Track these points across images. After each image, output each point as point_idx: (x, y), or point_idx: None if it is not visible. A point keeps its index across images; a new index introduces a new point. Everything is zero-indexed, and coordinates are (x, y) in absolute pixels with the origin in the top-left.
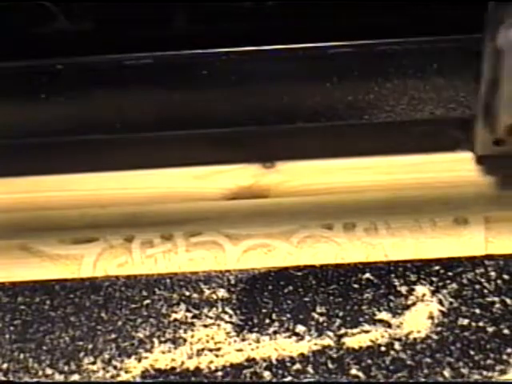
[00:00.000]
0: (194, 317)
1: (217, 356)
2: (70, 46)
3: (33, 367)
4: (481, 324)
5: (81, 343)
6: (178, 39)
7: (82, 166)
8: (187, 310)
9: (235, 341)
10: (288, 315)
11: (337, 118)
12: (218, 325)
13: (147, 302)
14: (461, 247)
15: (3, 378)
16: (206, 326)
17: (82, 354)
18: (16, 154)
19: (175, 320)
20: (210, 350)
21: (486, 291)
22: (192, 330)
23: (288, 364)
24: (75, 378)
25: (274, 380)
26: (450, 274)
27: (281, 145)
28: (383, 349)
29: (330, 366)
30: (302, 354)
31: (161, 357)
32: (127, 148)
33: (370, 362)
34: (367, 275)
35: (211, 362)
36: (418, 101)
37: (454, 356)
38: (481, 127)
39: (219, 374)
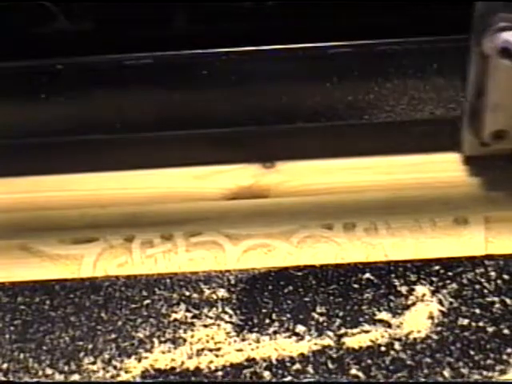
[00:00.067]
0: (194, 317)
1: (217, 356)
2: (70, 45)
3: (33, 367)
4: (481, 324)
5: (81, 343)
6: (177, 39)
7: (81, 165)
8: (187, 310)
9: (235, 341)
10: (288, 315)
11: (337, 117)
12: (218, 325)
13: (147, 302)
14: (461, 247)
15: (3, 378)
16: (206, 326)
17: (82, 354)
18: (16, 154)
19: (175, 320)
20: (210, 350)
21: (486, 291)
22: (192, 330)
23: (288, 364)
24: (75, 377)
25: (274, 380)
26: (449, 273)
27: (281, 145)
28: (383, 349)
29: (330, 365)
30: (302, 354)
31: (161, 357)
32: (127, 148)
33: (369, 362)
34: (367, 275)
35: (211, 361)
36: (418, 101)
37: (453, 356)
38: (467, 129)
39: (219, 373)
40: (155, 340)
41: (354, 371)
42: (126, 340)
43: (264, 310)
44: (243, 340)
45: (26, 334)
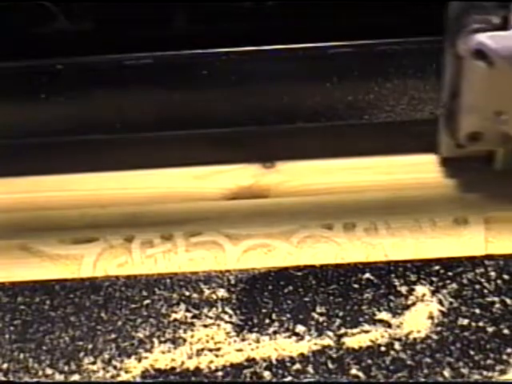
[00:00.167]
0: (194, 317)
1: (217, 356)
2: (70, 45)
3: (33, 367)
4: (481, 324)
5: (81, 343)
6: (178, 39)
7: (82, 165)
8: (187, 310)
9: (235, 341)
10: (288, 315)
11: (337, 117)
12: (218, 325)
13: (147, 301)
14: (461, 247)
15: (3, 378)
16: (205, 326)
17: (82, 354)
18: (16, 154)
19: (175, 320)
20: (210, 350)
21: (486, 291)
22: (192, 330)
23: (288, 364)
24: (75, 378)
25: (274, 380)
26: (450, 273)
27: (281, 145)
28: (383, 349)
29: (330, 365)
30: (301, 354)
31: (161, 357)
32: (127, 148)
33: (370, 361)
34: (367, 275)
35: (211, 361)
36: (418, 101)
37: (453, 356)
38: (443, 131)
39: (219, 373)
40: (155, 340)
41: (354, 371)
42: (126, 340)
43: (264, 310)
44: (243, 340)
45: (25, 334)
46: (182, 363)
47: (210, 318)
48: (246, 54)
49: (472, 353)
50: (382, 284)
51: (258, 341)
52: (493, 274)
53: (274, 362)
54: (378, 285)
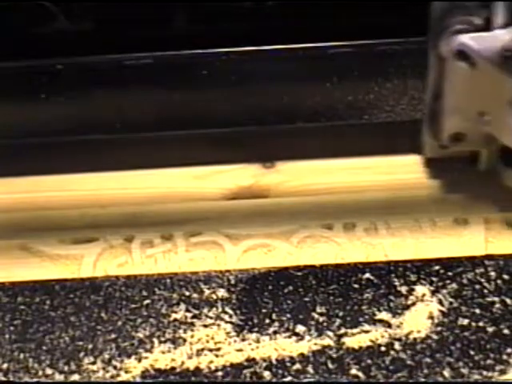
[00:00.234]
0: (194, 317)
1: (217, 356)
2: (70, 45)
3: (33, 367)
4: (481, 324)
5: (81, 343)
6: (178, 39)
7: (82, 166)
8: (187, 310)
9: (235, 341)
10: (288, 315)
11: (337, 118)
12: (218, 325)
13: (147, 301)
14: (461, 247)
15: (3, 378)
16: (205, 326)
17: (82, 354)
18: (16, 154)
19: (175, 320)
20: (210, 350)
21: (486, 291)
22: (192, 330)
23: (288, 364)
24: (75, 377)
25: (274, 380)
26: (449, 273)
27: (281, 145)
28: (383, 349)
29: (330, 366)
30: (301, 354)
31: (161, 357)
32: (127, 148)
33: (369, 362)
34: (367, 275)
35: (211, 362)
36: (418, 101)
37: (454, 356)
38: (427, 131)
39: (219, 373)
40: (155, 340)
41: (354, 371)
42: (126, 340)
43: (264, 310)
44: (243, 340)
45: (25, 334)
46: (182, 363)
47: (210, 318)
48: (245, 54)
49: (472, 353)
50: (381, 284)
51: (258, 341)
52: (493, 274)
53: (274, 362)
54: (378, 285)
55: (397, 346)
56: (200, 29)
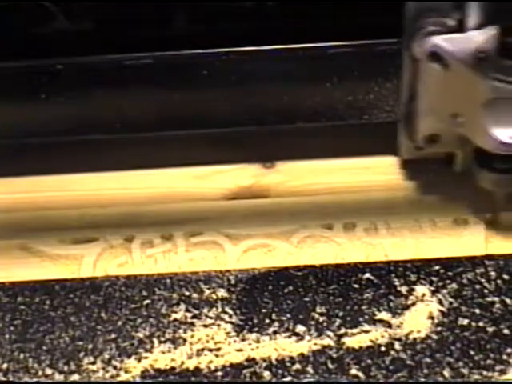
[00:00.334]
0: (194, 317)
1: (217, 356)
2: (70, 45)
3: (33, 367)
4: (481, 324)
5: (81, 343)
6: (178, 39)
7: (82, 166)
8: (187, 310)
9: (235, 341)
10: (288, 315)
11: (337, 118)
12: (218, 325)
13: (147, 301)
14: (461, 247)
15: (3, 378)
16: (205, 325)
17: (81, 354)
18: (16, 154)
19: (175, 320)
20: (210, 350)
21: (486, 291)
22: (192, 330)
23: (288, 364)
24: (75, 377)
25: (274, 380)
26: (449, 273)
27: (281, 145)
28: (383, 349)
29: (330, 366)
30: (301, 354)
31: (161, 357)
32: (127, 148)
33: (369, 362)
34: (367, 275)
35: (211, 361)
36: None
37: (454, 356)
38: (402, 133)
39: (219, 373)
40: (155, 340)
41: (354, 371)
42: (126, 340)
43: (264, 310)
44: (243, 340)
45: (25, 334)
46: (182, 363)
47: (210, 318)
48: (245, 54)
49: (472, 353)
50: (382, 284)
51: (258, 341)
52: (493, 273)
53: (274, 362)
54: (378, 285)
55: (397, 346)
56: (200, 29)
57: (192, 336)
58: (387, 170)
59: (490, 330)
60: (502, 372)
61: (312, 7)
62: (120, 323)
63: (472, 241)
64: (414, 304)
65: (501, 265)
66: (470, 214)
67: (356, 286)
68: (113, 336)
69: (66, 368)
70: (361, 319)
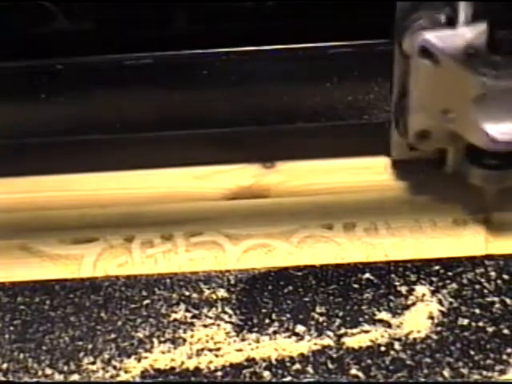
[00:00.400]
0: (194, 317)
1: (216, 356)
2: (70, 45)
3: (32, 367)
4: (481, 324)
5: (81, 343)
6: (178, 39)
7: (82, 165)
8: (187, 310)
9: (235, 341)
10: (288, 315)
11: (337, 118)
12: (218, 325)
13: (147, 301)
14: (461, 247)
15: (3, 378)
16: (205, 326)
17: (81, 354)
18: (16, 154)
19: (175, 320)
20: (210, 350)
21: (486, 291)
22: (192, 330)
23: (288, 364)
24: (75, 377)
25: (274, 380)
26: (449, 273)
27: (281, 145)
28: (383, 349)
29: (330, 365)
30: (301, 354)
31: (160, 357)
32: (127, 148)
33: (369, 361)
34: (367, 275)
35: (211, 362)
36: None
37: (453, 356)
38: (395, 131)
39: (219, 374)
40: (155, 340)
41: (353, 371)
42: (126, 340)
43: (264, 310)
44: (243, 340)
45: (25, 334)
46: (182, 363)
47: (210, 318)
48: (245, 54)
49: (472, 353)
50: (381, 284)
51: (257, 341)
52: (493, 273)
53: (274, 362)
54: (378, 285)
55: (397, 345)
56: (200, 29)
57: (192, 336)
58: (387, 170)
59: (490, 330)
60: (502, 372)
61: (312, 7)
62: (120, 323)
63: (472, 241)
64: (413, 304)
65: (501, 265)
66: (469, 215)
67: (356, 286)
68: (113, 336)
69: (65, 368)
70: (361, 319)
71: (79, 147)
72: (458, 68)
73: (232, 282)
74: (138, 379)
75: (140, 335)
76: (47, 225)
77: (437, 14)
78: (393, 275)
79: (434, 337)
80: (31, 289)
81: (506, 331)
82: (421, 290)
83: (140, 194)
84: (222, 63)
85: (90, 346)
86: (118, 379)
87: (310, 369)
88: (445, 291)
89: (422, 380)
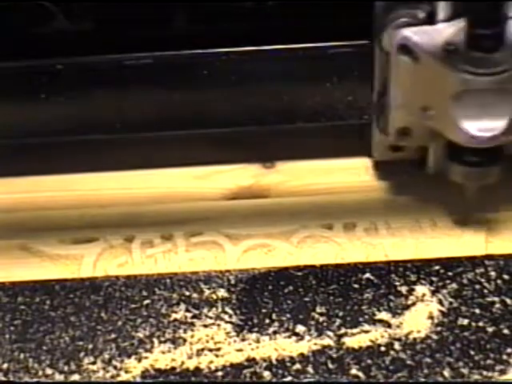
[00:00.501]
0: (194, 317)
1: (217, 356)
2: (70, 45)
3: (33, 367)
4: (481, 324)
5: (81, 343)
6: (178, 39)
7: (82, 165)
8: (187, 310)
9: (235, 341)
10: (288, 315)
11: (337, 118)
12: (218, 325)
13: (147, 301)
14: (461, 247)
15: (3, 378)
16: (205, 325)
17: (82, 354)
18: (16, 154)
19: (175, 320)
20: (210, 350)
21: (486, 291)
22: (192, 330)
23: (288, 364)
24: (75, 377)
25: (274, 380)
26: (449, 274)
27: (281, 145)
28: (383, 349)
29: (330, 365)
30: (301, 354)
31: (161, 357)
32: (127, 148)
33: (369, 361)
34: (367, 275)
35: (211, 362)
36: None
37: (453, 356)
38: (376, 131)
39: (219, 373)
40: (155, 340)
41: (354, 371)
42: (126, 340)
43: (264, 310)
44: (243, 340)
45: (25, 334)
46: (182, 363)
47: (210, 318)
48: (245, 54)
49: (472, 353)
50: (382, 284)
51: (258, 341)
52: (493, 273)
53: (274, 362)
54: (378, 285)
55: (397, 345)
56: (200, 29)
57: (192, 336)
58: (388, 170)
59: (490, 329)
60: (502, 372)
61: (312, 7)
62: (120, 323)
63: (472, 241)
64: (413, 304)
65: (501, 265)
66: (469, 214)
67: (356, 285)
68: (113, 336)
69: (66, 368)
70: (361, 319)
71: (79, 147)
72: (438, 65)
73: (232, 281)
74: (138, 379)
75: (140, 335)
76: (47, 225)
77: (416, 10)
78: (393, 275)
79: (434, 337)
80: (31, 289)
81: (506, 331)
82: (421, 289)
83: (140, 194)
84: (221, 63)
85: (90, 346)
86: (119, 379)
87: (310, 369)
88: (445, 291)
89: (422, 380)
